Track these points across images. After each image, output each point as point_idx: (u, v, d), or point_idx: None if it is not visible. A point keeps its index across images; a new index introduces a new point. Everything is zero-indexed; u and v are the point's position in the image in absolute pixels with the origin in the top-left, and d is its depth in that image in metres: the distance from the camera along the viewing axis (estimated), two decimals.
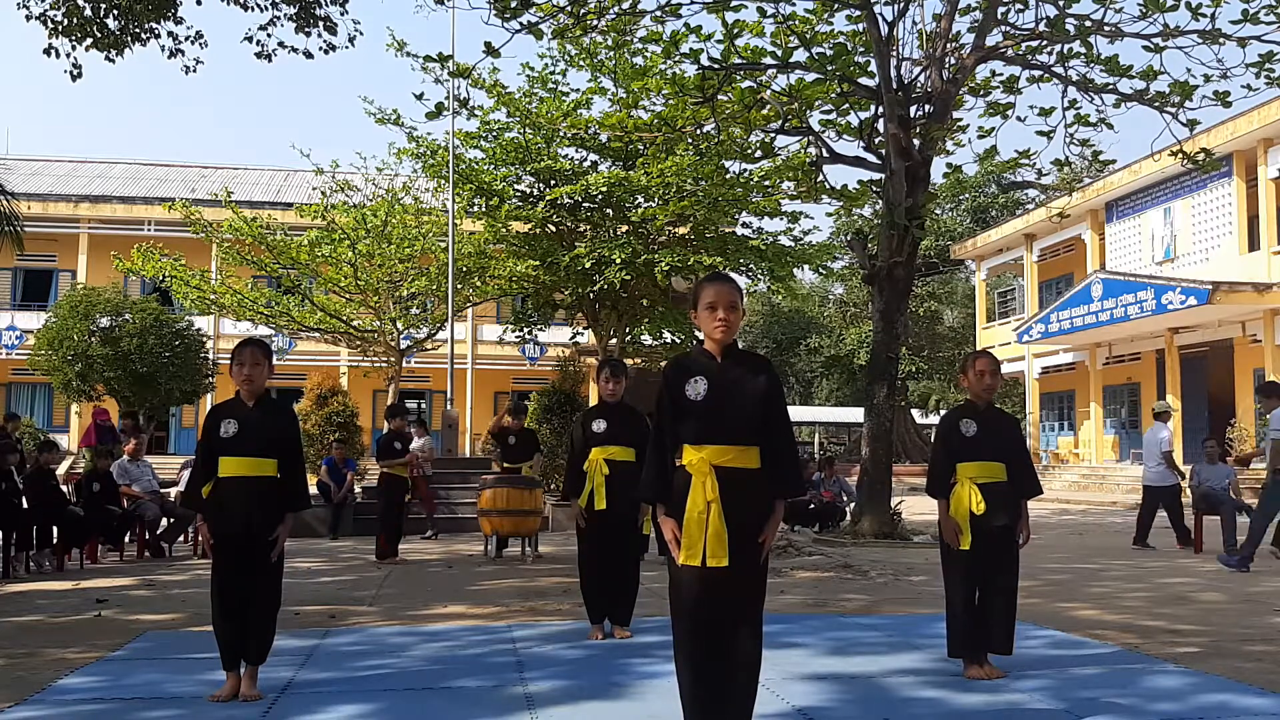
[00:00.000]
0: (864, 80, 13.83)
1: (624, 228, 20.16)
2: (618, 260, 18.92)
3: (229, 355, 4.87)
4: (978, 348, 35.58)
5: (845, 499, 14.45)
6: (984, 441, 5.04)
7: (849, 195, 16.66)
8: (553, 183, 20.00)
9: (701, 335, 3.63)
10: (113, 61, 11.62)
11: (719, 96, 14.13)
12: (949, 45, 13.43)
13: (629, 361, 24.33)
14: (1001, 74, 14.36)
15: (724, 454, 3.43)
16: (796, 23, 13.62)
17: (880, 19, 13.05)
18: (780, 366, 46.79)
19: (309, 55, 11.89)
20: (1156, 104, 13.03)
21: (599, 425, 6.29)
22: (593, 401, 28.96)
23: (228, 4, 11.59)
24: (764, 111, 14.95)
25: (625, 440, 6.19)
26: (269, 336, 28.96)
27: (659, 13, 12.65)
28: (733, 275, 3.58)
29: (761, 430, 3.49)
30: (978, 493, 4.94)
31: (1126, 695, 4.64)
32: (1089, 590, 8.26)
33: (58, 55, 11.34)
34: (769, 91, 14.46)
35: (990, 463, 5.03)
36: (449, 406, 19.89)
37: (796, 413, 45.34)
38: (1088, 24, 12.68)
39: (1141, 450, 25.23)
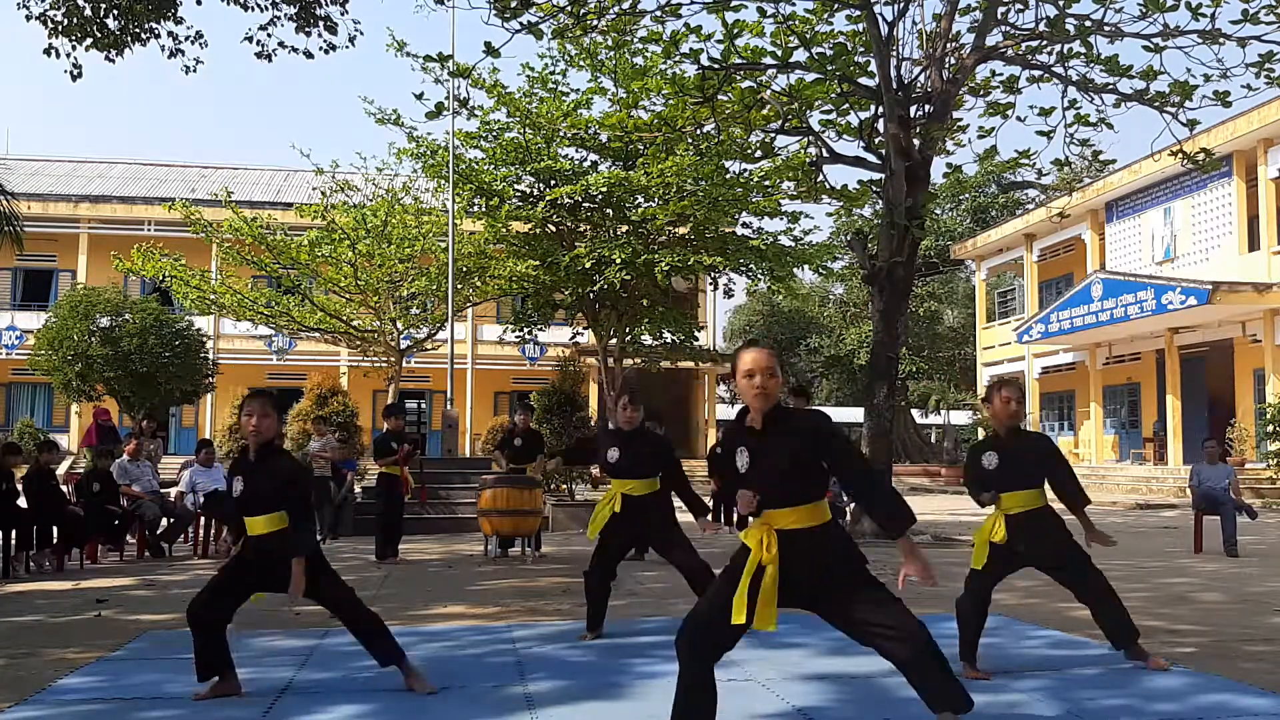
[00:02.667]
0: (864, 80, 13.83)
1: (624, 228, 20.16)
2: (618, 260, 18.92)
3: (239, 404, 4.91)
4: (978, 347, 35.62)
5: (845, 499, 14.43)
6: (1007, 472, 5.13)
7: (849, 195, 16.66)
8: (553, 183, 20.01)
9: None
10: (113, 61, 11.61)
11: (719, 96, 14.13)
12: (949, 45, 13.43)
13: (629, 361, 24.33)
14: (1001, 74, 14.39)
15: (783, 517, 3.44)
16: (796, 23, 13.62)
17: (880, 19, 13.05)
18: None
19: (309, 55, 11.88)
20: (1156, 104, 13.03)
21: (613, 454, 6.21)
22: (593, 402, 28.95)
23: (228, 4, 11.58)
24: (764, 111, 14.96)
25: (642, 473, 6.15)
26: (269, 336, 29.05)
27: (659, 13, 12.65)
28: (767, 344, 3.51)
29: (817, 486, 3.49)
30: (1002, 524, 5.08)
31: (1126, 695, 4.64)
32: None
33: (58, 55, 11.33)
34: (769, 91, 14.46)
35: (1017, 493, 5.10)
36: (449, 406, 19.89)
37: None
38: (1088, 24, 12.68)
39: (1141, 450, 25.15)
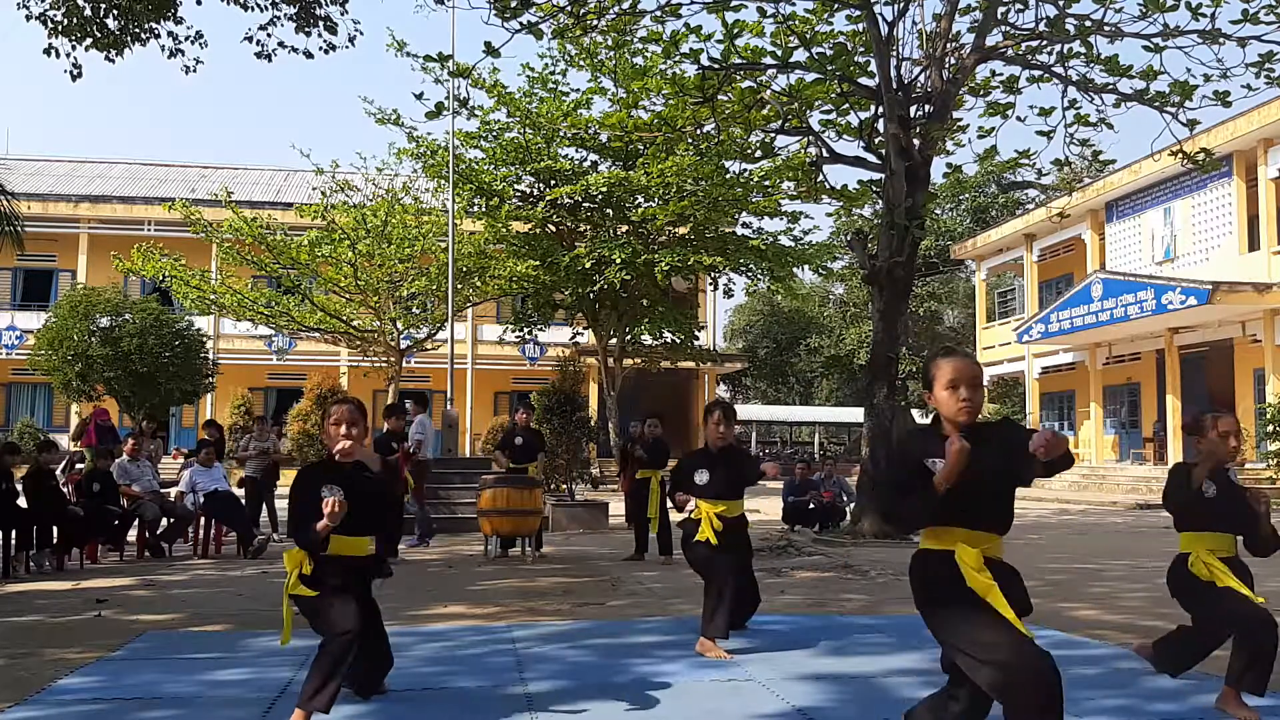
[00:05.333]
0: (864, 80, 13.83)
1: (624, 228, 20.18)
2: (618, 260, 18.94)
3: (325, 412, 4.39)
4: (978, 347, 35.61)
5: (845, 499, 14.45)
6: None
7: (849, 195, 16.67)
8: (553, 183, 20.03)
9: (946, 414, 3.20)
10: (113, 61, 11.61)
11: (719, 96, 14.13)
12: (949, 45, 13.43)
13: (629, 361, 24.33)
14: (1001, 74, 14.39)
15: (977, 540, 3.13)
16: (796, 23, 13.63)
17: (880, 19, 13.05)
18: (780, 366, 46.81)
19: (309, 55, 11.88)
20: (1156, 104, 13.03)
21: (701, 477, 5.81)
22: (593, 402, 28.95)
23: (228, 4, 11.58)
24: (764, 111, 14.96)
25: (733, 494, 5.87)
26: (269, 336, 29.04)
27: (659, 13, 12.65)
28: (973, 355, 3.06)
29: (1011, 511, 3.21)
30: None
31: (1126, 695, 4.63)
32: (1089, 590, 8.26)
33: (58, 55, 11.33)
34: (769, 91, 14.46)
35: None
36: (449, 406, 19.89)
37: (797, 413, 45.37)
38: (1088, 24, 12.68)
39: (1141, 450, 25.12)
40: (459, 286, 21.49)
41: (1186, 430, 4.70)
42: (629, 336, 22.72)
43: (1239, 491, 4.47)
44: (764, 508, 15.94)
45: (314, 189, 24.66)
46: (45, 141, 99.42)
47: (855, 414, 34.60)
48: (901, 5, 13.14)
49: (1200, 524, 4.48)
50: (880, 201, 14.28)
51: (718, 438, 5.90)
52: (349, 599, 4.09)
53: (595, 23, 12.75)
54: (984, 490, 3.09)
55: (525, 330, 23.21)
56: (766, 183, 19.37)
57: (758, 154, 18.01)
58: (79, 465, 13.92)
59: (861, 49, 13.94)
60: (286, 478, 6.87)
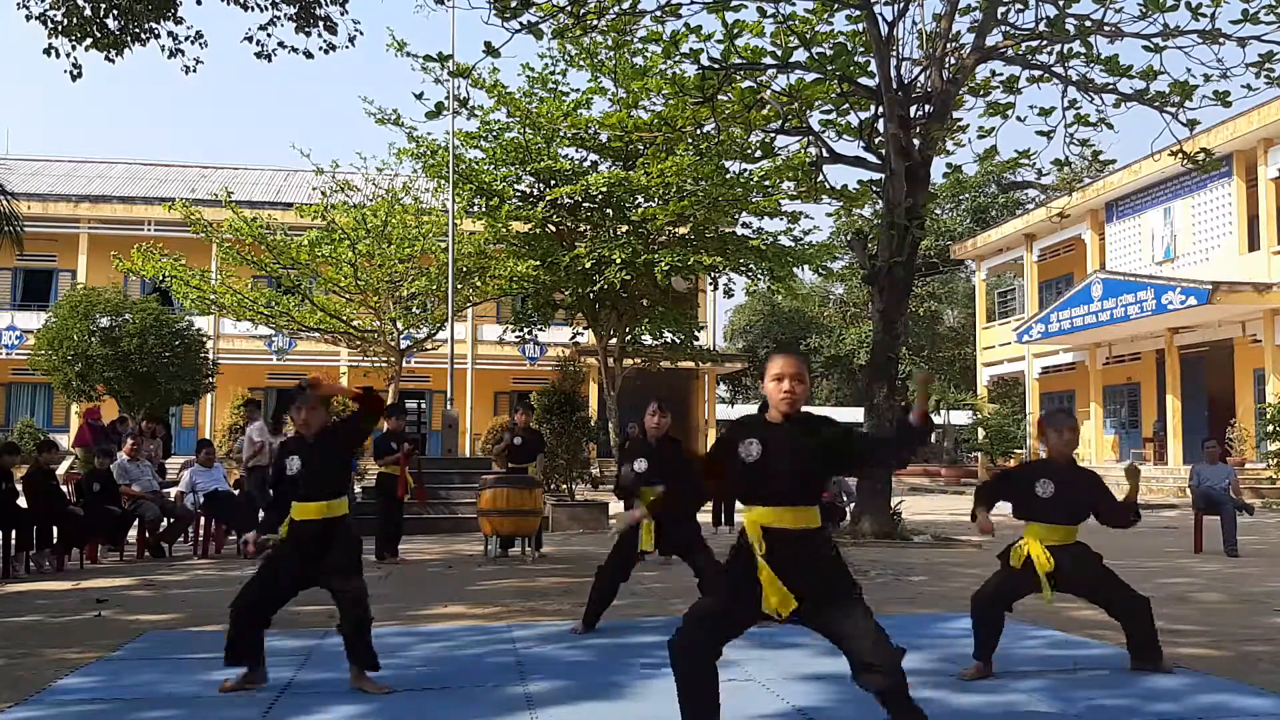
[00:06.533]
0: (864, 80, 13.82)
1: (624, 228, 20.17)
2: (618, 260, 18.93)
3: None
4: (978, 347, 35.63)
5: (845, 499, 14.43)
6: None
7: (849, 195, 16.67)
8: (553, 183, 20.01)
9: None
10: (112, 61, 11.60)
11: (719, 96, 14.13)
12: (949, 45, 13.42)
13: (629, 361, 24.32)
14: (1001, 74, 14.38)
15: (776, 515, 3.46)
16: (796, 23, 13.63)
17: (880, 19, 13.05)
18: None
19: (309, 55, 11.87)
20: (1156, 104, 13.03)
21: (640, 465, 6.31)
22: (593, 402, 28.94)
23: (228, 4, 11.57)
24: (764, 111, 14.96)
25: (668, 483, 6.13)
26: (269, 336, 29.03)
27: (659, 13, 12.64)
28: (799, 350, 3.53)
29: (818, 489, 3.57)
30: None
31: (1126, 695, 4.63)
32: None
33: (58, 55, 11.32)
34: (769, 91, 14.46)
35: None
36: (449, 406, 19.89)
37: None
38: (1088, 24, 12.68)
39: (1140, 450, 25.17)
40: (459, 286, 21.48)
41: (1038, 430, 5.27)
42: (629, 336, 22.71)
43: (1082, 482, 5.13)
44: None
45: (314, 189, 24.64)
46: (45, 141, 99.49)
47: (855, 414, 34.56)
48: (901, 5, 13.14)
49: (1033, 516, 5.05)
50: (880, 201, 14.27)
51: (654, 429, 6.33)
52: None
53: (595, 23, 12.75)
54: (784, 471, 3.42)
55: (525, 330, 23.20)
56: (766, 183, 19.36)
57: (758, 154, 18.02)
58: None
59: (861, 49, 13.93)
60: None
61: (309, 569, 4.75)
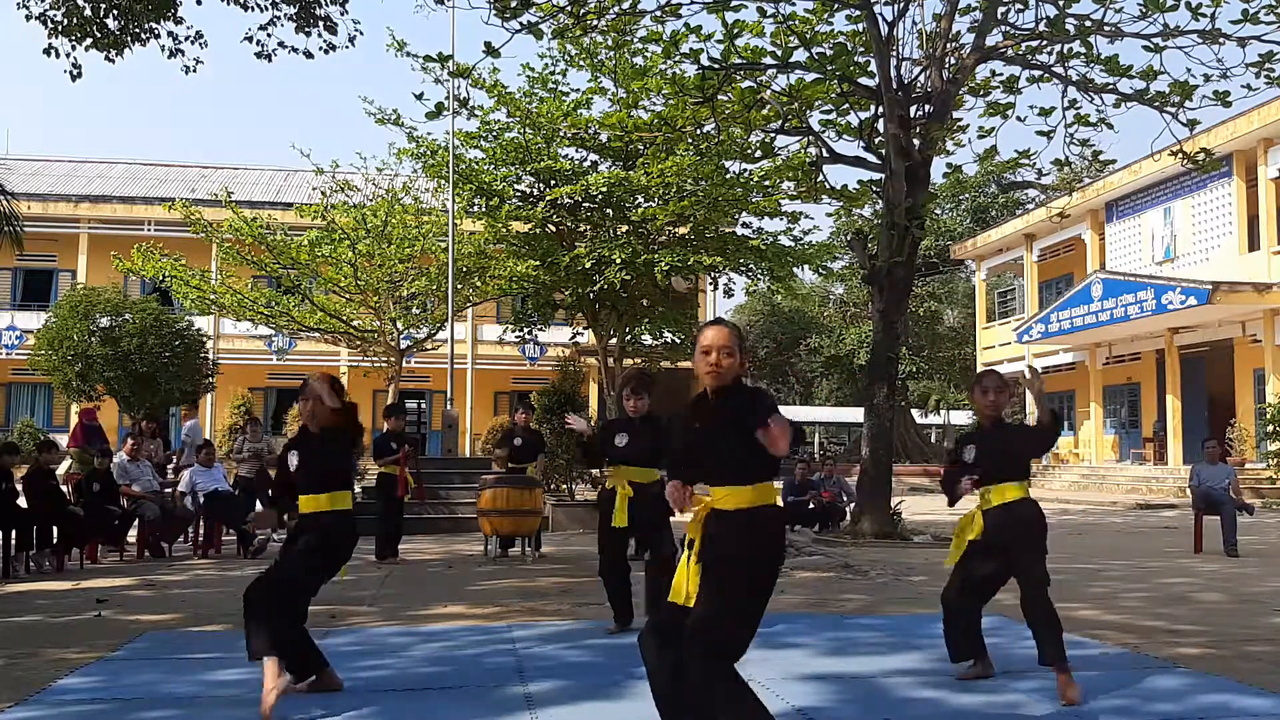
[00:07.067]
0: (864, 80, 13.82)
1: (624, 228, 20.15)
2: (618, 260, 18.91)
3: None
4: (978, 347, 35.64)
5: (845, 499, 14.44)
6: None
7: (849, 195, 16.65)
8: (553, 183, 19.98)
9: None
10: (112, 61, 11.60)
11: (719, 96, 14.12)
12: (949, 45, 13.42)
13: (629, 362, 24.31)
14: (1001, 74, 14.38)
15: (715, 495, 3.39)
16: (796, 23, 13.62)
17: (880, 19, 13.04)
18: (780, 366, 46.77)
19: (309, 55, 11.87)
20: (1156, 104, 13.02)
21: (621, 439, 6.31)
22: (594, 402, 28.93)
23: (228, 4, 11.57)
24: (764, 111, 14.95)
25: (646, 460, 6.22)
26: (269, 336, 29.04)
27: (659, 13, 12.64)
28: (731, 322, 3.36)
29: (750, 468, 3.37)
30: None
31: (1126, 695, 4.63)
32: (1089, 590, 8.25)
33: (58, 55, 11.32)
34: (769, 91, 14.45)
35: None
36: (449, 406, 19.88)
37: (797, 413, 45.32)
38: (1088, 24, 12.68)
39: (1141, 450, 25.17)
40: (459, 286, 21.48)
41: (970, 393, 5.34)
42: (629, 336, 22.70)
43: (1001, 437, 5.02)
44: None
45: (314, 189, 24.63)
46: (45, 141, 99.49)
47: (855, 414, 34.58)
48: (901, 5, 13.14)
49: (978, 484, 4.95)
50: (880, 201, 14.27)
51: (633, 410, 6.31)
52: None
53: (595, 23, 12.74)
54: (705, 444, 3.38)
55: (525, 330, 23.19)
56: (766, 183, 19.34)
57: (758, 154, 18.00)
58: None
59: (861, 49, 13.93)
60: None
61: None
